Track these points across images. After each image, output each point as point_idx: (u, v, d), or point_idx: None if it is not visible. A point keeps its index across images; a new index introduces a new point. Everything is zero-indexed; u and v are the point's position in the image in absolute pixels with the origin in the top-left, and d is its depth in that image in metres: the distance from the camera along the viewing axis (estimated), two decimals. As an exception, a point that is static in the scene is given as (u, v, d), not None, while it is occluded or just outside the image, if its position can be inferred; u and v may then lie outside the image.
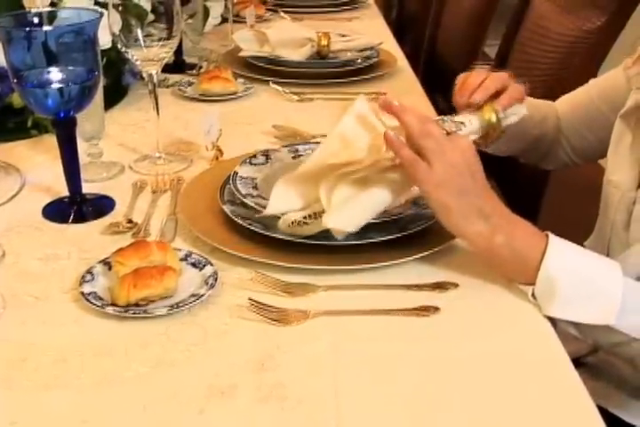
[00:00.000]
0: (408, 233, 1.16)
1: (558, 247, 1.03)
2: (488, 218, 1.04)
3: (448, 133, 1.05)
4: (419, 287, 1.10)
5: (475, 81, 1.22)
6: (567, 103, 1.52)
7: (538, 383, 0.94)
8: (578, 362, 1.29)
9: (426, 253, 1.15)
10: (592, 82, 1.51)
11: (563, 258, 1.03)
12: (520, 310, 1.07)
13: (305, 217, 1.11)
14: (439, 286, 1.10)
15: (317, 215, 1.10)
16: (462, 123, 1.08)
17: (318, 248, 1.14)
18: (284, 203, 1.12)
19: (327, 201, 1.08)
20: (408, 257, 1.14)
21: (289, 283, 1.09)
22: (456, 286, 1.10)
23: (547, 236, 1.04)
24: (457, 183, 1.03)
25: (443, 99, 2.67)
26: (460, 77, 1.27)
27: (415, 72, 2.17)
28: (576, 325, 1.04)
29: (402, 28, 3.76)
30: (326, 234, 1.14)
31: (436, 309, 1.05)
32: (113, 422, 0.86)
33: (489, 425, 0.87)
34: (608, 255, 1.24)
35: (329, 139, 1.14)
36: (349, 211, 1.08)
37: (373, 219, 1.16)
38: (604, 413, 1.18)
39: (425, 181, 1.03)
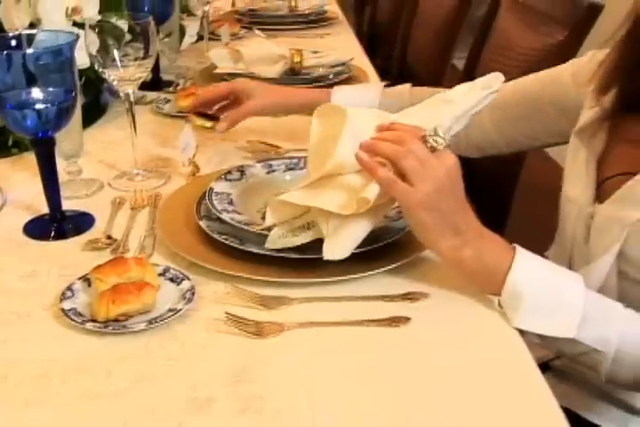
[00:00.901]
0: (379, 245, 1.16)
1: (524, 260, 1.04)
2: (461, 233, 1.05)
3: (434, 150, 1.03)
4: (390, 298, 1.10)
5: None
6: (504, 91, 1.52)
7: (506, 388, 0.94)
8: (545, 366, 1.32)
9: (396, 264, 1.15)
10: (536, 79, 1.51)
11: (528, 271, 1.03)
12: (488, 319, 1.07)
13: (298, 227, 1.13)
14: (410, 297, 1.10)
15: (310, 226, 1.12)
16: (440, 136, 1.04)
17: (292, 262, 1.14)
18: (280, 215, 1.13)
19: (325, 226, 1.09)
20: (379, 269, 1.13)
21: (264, 296, 1.09)
22: (426, 296, 1.11)
23: (514, 249, 1.05)
24: (437, 203, 1.02)
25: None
26: None
27: (387, 85, 2.17)
28: (540, 334, 1.04)
29: (373, 43, 3.77)
30: (300, 248, 1.15)
31: (407, 319, 1.05)
32: None
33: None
34: (570, 268, 1.25)
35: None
36: (343, 241, 1.08)
37: None
38: (570, 414, 1.22)
39: (404, 201, 1.04)
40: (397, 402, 0.91)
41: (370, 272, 1.13)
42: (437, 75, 2.74)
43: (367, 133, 1.09)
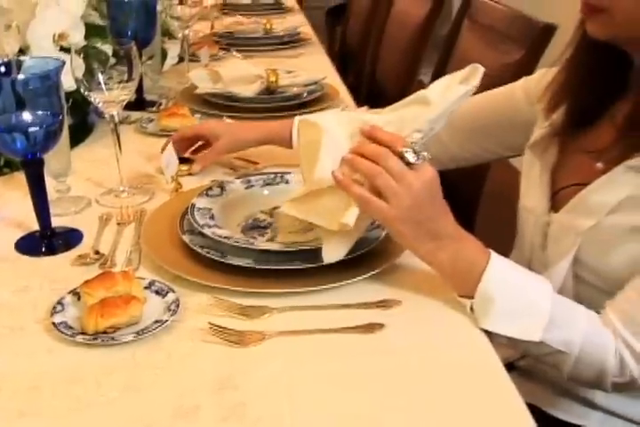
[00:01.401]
0: (353, 256, 1.15)
1: (497, 266, 1.04)
2: (438, 238, 1.05)
3: (411, 164, 1.01)
4: (365, 306, 1.09)
5: None
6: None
7: (475, 388, 0.95)
8: (511, 366, 1.32)
9: (370, 273, 1.15)
10: (491, 96, 1.52)
11: (500, 276, 1.03)
12: (457, 324, 1.07)
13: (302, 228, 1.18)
14: (383, 304, 1.10)
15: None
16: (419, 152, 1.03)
17: (272, 273, 1.14)
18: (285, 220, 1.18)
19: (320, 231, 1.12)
20: (354, 278, 1.13)
21: (246, 306, 1.09)
22: (399, 303, 1.10)
23: (489, 254, 1.05)
24: (412, 215, 1.02)
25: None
26: None
27: (358, 101, 2.17)
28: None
29: (344, 62, 3.79)
30: (278, 259, 1.15)
31: (381, 325, 1.04)
32: None
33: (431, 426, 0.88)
34: None
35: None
36: (339, 245, 1.10)
37: (319, 244, 1.16)
38: (535, 410, 1.20)
39: (379, 217, 1.05)
40: (374, 405, 0.91)
41: (346, 282, 1.13)
42: (405, 90, 2.74)
43: (346, 141, 1.08)
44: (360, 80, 3.39)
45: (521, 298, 1.04)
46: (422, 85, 2.61)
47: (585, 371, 1.07)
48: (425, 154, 1.02)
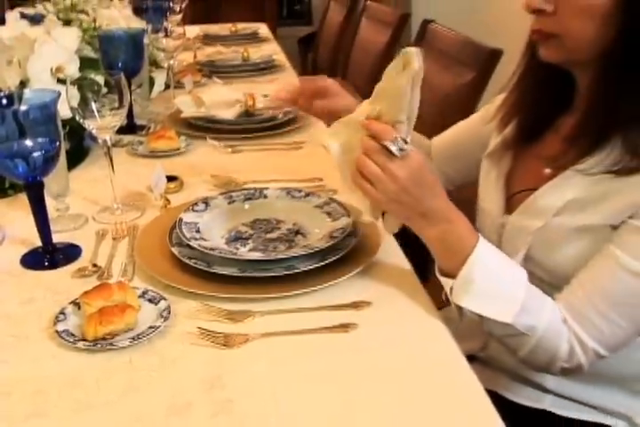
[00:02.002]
0: (327, 262, 1.15)
1: (483, 250, 1.05)
2: (428, 217, 1.06)
3: (395, 155, 1.03)
4: (339, 307, 1.09)
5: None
6: (440, 142, 1.55)
7: (439, 377, 0.95)
8: (472, 357, 1.32)
9: (343, 278, 1.14)
10: (461, 126, 1.54)
11: (484, 261, 1.04)
12: (423, 320, 1.07)
13: None
14: (356, 305, 1.09)
15: None
16: (406, 142, 1.04)
17: (254, 280, 1.13)
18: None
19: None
20: (329, 282, 1.13)
21: (231, 311, 1.08)
22: (369, 304, 1.10)
23: (477, 238, 1.06)
24: (399, 197, 1.04)
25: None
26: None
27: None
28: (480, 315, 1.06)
29: None
30: (259, 267, 1.15)
31: (354, 325, 1.04)
32: None
33: (403, 413, 0.88)
34: None
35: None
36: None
37: (296, 252, 1.18)
38: (493, 394, 1.19)
39: (370, 200, 1.09)
40: (349, 398, 0.90)
41: (321, 286, 1.12)
42: None
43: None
44: None
45: (499, 283, 1.05)
46: None
47: (540, 355, 1.08)
48: (407, 146, 1.03)
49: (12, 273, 1.23)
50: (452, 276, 1.06)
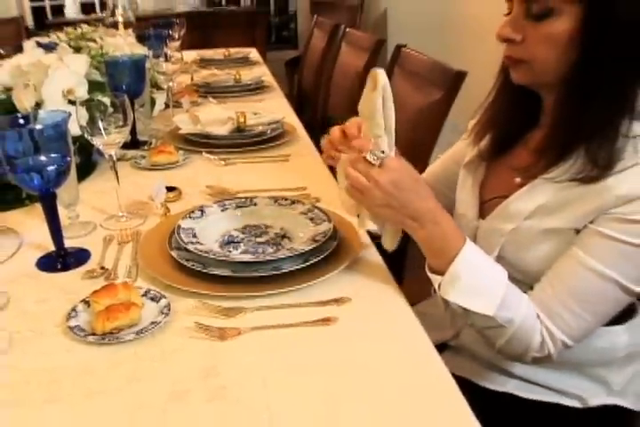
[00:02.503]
0: (310, 263, 1.16)
1: (469, 251, 1.06)
2: (417, 219, 1.06)
3: (376, 163, 1.05)
4: (322, 303, 1.09)
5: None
6: (429, 173, 1.52)
7: (410, 365, 0.96)
8: (445, 345, 1.34)
9: (325, 277, 1.14)
10: (446, 155, 1.52)
11: (470, 260, 1.06)
12: (396, 314, 1.08)
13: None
14: (337, 301, 1.09)
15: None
16: (383, 151, 1.05)
17: (245, 280, 1.13)
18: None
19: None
20: (312, 281, 1.13)
21: (224, 308, 1.08)
22: (349, 300, 1.10)
23: (464, 239, 1.07)
24: (386, 202, 1.05)
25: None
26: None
27: (312, 133, 2.15)
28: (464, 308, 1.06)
29: (301, 104, 3.78)
30: (250, 268, 1.15)
31: (335, 318, 1.05)
32: (102, 424, 0.85)
33: (378, 396, 0.88)
34: None
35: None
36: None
37: (283, 254, 1.18)
38: (463, 380, 1.23)
39: (365, 208, 1.12)
40: (331, 384, 0.91)
41: (304, 285, 1.13)
42: (352, 117, 2.74)
43: None
44: (314, 118, 3.38)
45: (483, 280, 1.06)
46: None
47: (515, 346, 1.09)
48: (381, 154, 1.04)
49: (29, 275, 1.23)
50: (440, 273, 1.07)
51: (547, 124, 1.18)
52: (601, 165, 1.04)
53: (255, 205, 1.40)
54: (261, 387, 0.90)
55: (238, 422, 0.85)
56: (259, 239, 1.29)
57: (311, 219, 1.32)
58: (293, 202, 1.39)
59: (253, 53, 3.72)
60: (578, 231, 1.08)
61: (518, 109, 1.23)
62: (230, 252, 1.24)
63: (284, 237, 1.30)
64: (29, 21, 6.10)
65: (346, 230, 1.29)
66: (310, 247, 1.19)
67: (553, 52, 1.07)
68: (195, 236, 1.26)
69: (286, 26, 6.85)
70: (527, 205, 1.14)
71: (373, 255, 1.26)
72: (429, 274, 1.10)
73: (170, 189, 1.55)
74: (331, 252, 1.20)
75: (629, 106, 1.06)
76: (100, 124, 1.37)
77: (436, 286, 1.08)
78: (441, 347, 1.32)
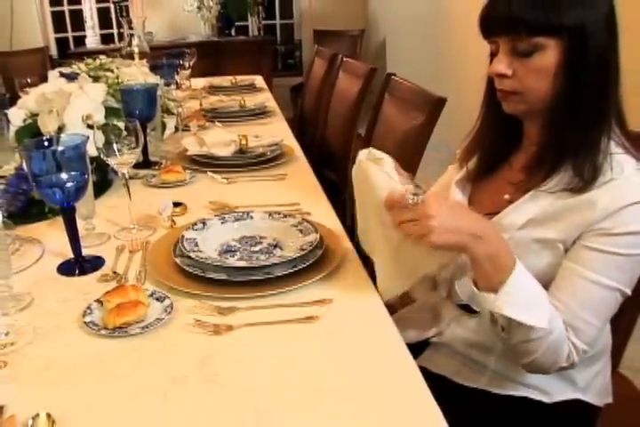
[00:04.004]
0: (298, 269, 1.21)
1: (520, 270, 1.04)
2: (481, 237, 1.03)
3: (416, 203, 1.02)
4: (306, 304, 1.14)
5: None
6: None
7: (382, 359, 1.01)
8: (426, 342, 1.35)
9: (310, 281, 1.20)
10: (440, 181, 1.52)
11: (522, 279, 1.04)
12: (373, 315, 1.12)
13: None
14: (320, 302, 1.14)
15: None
16: (416, 194, 1.03)
17: (239, 283, 1.19)
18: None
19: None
20: (298, 284, 1.18)
21: (221, 307, 1.13)
22: (331, 301, 1.15)
23: (515, 259, 1.04)
24: (444, 226, 1.00)
25: (330, 171, 2.74)
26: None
27: (312, 154, 2.16)
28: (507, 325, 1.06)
29: (302, 126, 3.81)
30: (244, 273, 1.21)
31: (318, 317, 1.10)
32: (110, 405, 0.91)
33: (351, 384, 0.94)
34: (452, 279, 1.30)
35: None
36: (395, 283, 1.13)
37: (273, 261, 1.24)
38: (443, 379, 1.28)
39: (430, 245, 1.03)
40: (313, 373, 0.97)
41: (292, 288, 1.18)
42: (346, 144, 2.75)
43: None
44: (314, 140, 3.40)
45: (534, 294, 1.06)
46: (361, 137, 2.62)
47: (548, 357, 1.09)
48: (419, 192, 1.03)
49: (50, 279, 1.29)
50: (493, 290, 1.04)
51: (531, 145, 1.23)
52: (586, 178, 1.09)
53: (252, 218, 1.45)
54: (249, 374, 0.96)
55: (228, 403, 0.90)
56: (253, 248, 1.35)
57: (301, 230, 1.38)
58: (286, 216, 1.45)
59: (259, 80, 3.74)
60: (565, 243, 1.11)
61: (502, 135, 1.28)
62: (227, 259, 1.30)
63: (276, 246, 1.36)
64: (53, 51, 6.17)
65: (331, 240, 1.35)
66: (297, 255, 1.25)
67: (542, 83, 1.11)
68: (196, 245, 1.31)
69: (292, 54, 6.89)
70: (520, 217, 1.16)
71: (355, 263, 1.30)
72: (479, 293, 1.07)
73: (177, 204, 1.61)
74: (316, 259, 1.25)
75: (606, 125, 1.12)
76: (115, 146, 1.44)
77: (487, 304, 1.05)
78: (423, 345, 1.34)
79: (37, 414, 0.86)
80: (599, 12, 1.09)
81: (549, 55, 1.10)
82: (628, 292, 1.10)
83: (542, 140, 1.19)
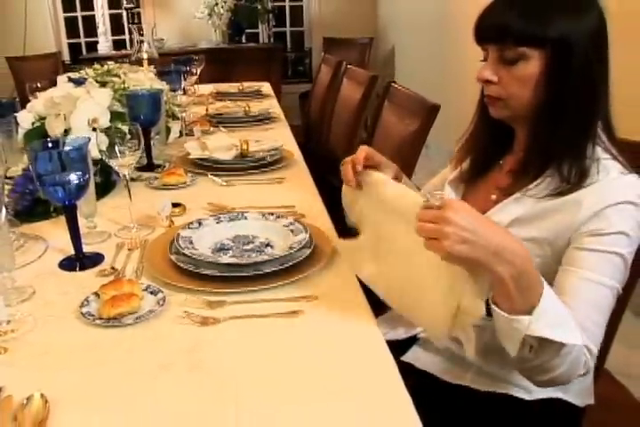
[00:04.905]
0: (286, 266, 1.26)
1: (548, 291, 1.00)
2: (501, 255, 0.94)
3: (436, 205, 0.95)
4: (292, 299, 1.19)
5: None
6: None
7: (360, 351, 1.05)
8: (414, 338, 1.38)
9: (296, 278, 1.24)
10: (435, 179, 1.56)
11: (550, 300, 1.00)
12: (355, 310, 1.16)
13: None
14: (305, 298, 1.19)
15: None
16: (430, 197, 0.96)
17: (229, 278, 1.24)
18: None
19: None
20: (285, 281, 1.23)
21: (210, 301, 1.18)
22: (316, 297, 1.20)
23: (543, 281, 1.00)
24: (461, 237, 0.92)
25: (333, 177, 2.80)
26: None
27: (316, 160, 2.21)
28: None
29: (309, 132, 3.87)
30: (234, 270, 1.26)
31: (302, 312, 1.14)
32: (101, 388, 0.96)
33: (330, 373, 0.99)
34: None
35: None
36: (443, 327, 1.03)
37: (262, 259, 1.29)
38: (429, 376, 1.31)
39: (441, 253, 0.95)
40: (293, 362, 1.01)
41: (278, 284, 1.23)
42: (349, 146, 2.81)
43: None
44: (319, 144, 3.47)
45: (564, 312, 1.02)
46: (362, 139, 2.68)
47: (570, 370, 1.06)
48: (437, 192, 1.00)
49: (53, 273, 1.35)
50: (522, 312, 0.98)
51: (520, 150, 1.27)
52: (572, 183, 1.13)
53: (246, 218, 1.51)
54: (233, 362, 1.01)
55: (211, 388, 0.95)
56: (245, 247, 1.40)
57: (292, 230, 1.44)
58: (278, 217, 1.51)
59: (265, 87, 3.78)
60: (552, 242, 1.14)
61: (493, 139, 1.33)
62: (220, 256, 1.35)
63: (267, 245, 1.41)
64: (66, 56, 6.28)
65: (321, 241, 1.41)
66: (285, 253, 1.31)
67: (525, 91, 1.16)
68: (191, 243, 1.37)
69: (302, 61, 6.96)
70: (507, 216, 1.20)
71: (343, 262, 1.34)
72: (509, 316, 0.99)
73: (176, 205, 1.66)
74: (304, 258, 1.31)
75: (592, 133, 1.16)
76: (117, 149, 1.50)
77: (521, 328, 0.98)
78: (412, 342, 1.37)
79: (32, 395, 0.92)
80: (585, 27, 1.14)
81: (532, 65, 1.15)
82: (621, 290, 1.12)
83: (528, 147, 1.24)
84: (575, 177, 1.14)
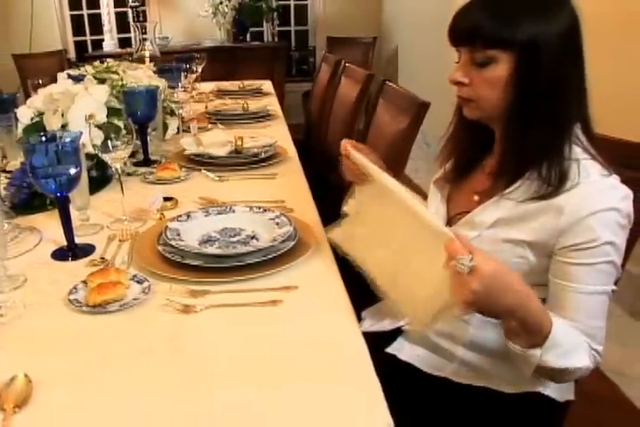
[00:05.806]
0: (269, 258, 1.30)
1: (557, 325, 1.05)
2: (507, 314, 1.02)
3: (466, 271, 0.95)
4: (272, 289, 1.21)
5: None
6: None
7: (337, 339, 1.08)
8: (400, 330, 1.38)
9: (277, 269, 1.28)
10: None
11: (561, 331, 1.06)
12: (334, 301, 1.19)
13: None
14: (286, 288, 1.22)
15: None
16: (470, 260, 0.94)
17: (213, 269, 1.27)
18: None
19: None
20: (266, 272, 1.27)
21: (194, 290, 1.22)
22: (296, 288, 1.23)
23: (550, 317, 1.05)
24: (473, 301, 0.96)
25: (329, 173, 2.82)
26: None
27: (315, 157, 2.20)
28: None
29: (309, 130, 3.89)
30: (219, 261, 1.29)
31: (281, 301, 1.17)
32: (84, 371, 1.00)
33: (306, 360, 1.02)
34: None
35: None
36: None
37: (246, 250, 1.33)
38: (411, 368, 1.33)
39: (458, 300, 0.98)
40: (272, 349, 1.05)
41: (260, 274, 1.26)
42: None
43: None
44: (318, 142, 3.49)
45: (573, 339, 1.10)
46: (360, 134, 2.70)
47: (577, 374, 1.13)
48: (470, 263, 0.94)
49: (45, 263, 1.39)
50: (535, 345, 1.05)
51: (499, 152, 1.27)
52: (553, 184, 1.13)
53: (234, 212, 1.55)
54: (211, 348, 1.05)
55: (187, 371, 0.99)
56: (232, 239, 1.44)
57: (277, 223, 1.47)
58: (265, 210, 1.54)
59: (266, 85, 3.80)
60: (532, 244, 1.16)
61: (474, 140, 1.33)
62: (206, 248, 1.39)
63: (253, 237, 1.45)
64: (72, 54, 6.33)
65: (305, 233, 1.44)
66: (268, 245, 1.35)
67: (494, 93, 1.17)
68: (178, 234, 1.41)
69: (305, 60, 6.99)
70: (489, 217, 1.21)
71: (325, 255, 1.37)
72: (522, 351, 1.07)
73: (168, 199, 1.70)
74: (287, 249, 1.34)
75: (567, 133, 1.16)
76: (110, 143, 1.54)
77: (535, 359, 1.06)
78: (397, 330, 1.38)
79: (16, 375, 0.96)
80: (555, 29, 1.14)
81: (501, 68, 1.16)
82: (615, 288, 1.15)
83: (503, 149, 1.26)
84: (555, 178, 1.14)
